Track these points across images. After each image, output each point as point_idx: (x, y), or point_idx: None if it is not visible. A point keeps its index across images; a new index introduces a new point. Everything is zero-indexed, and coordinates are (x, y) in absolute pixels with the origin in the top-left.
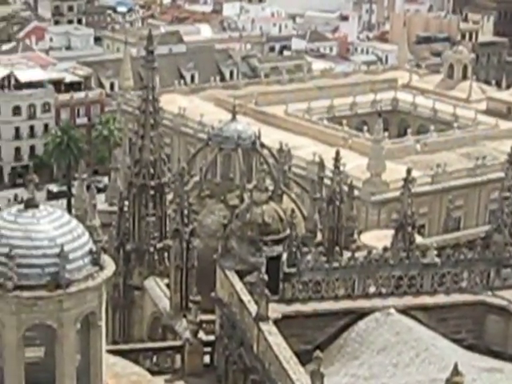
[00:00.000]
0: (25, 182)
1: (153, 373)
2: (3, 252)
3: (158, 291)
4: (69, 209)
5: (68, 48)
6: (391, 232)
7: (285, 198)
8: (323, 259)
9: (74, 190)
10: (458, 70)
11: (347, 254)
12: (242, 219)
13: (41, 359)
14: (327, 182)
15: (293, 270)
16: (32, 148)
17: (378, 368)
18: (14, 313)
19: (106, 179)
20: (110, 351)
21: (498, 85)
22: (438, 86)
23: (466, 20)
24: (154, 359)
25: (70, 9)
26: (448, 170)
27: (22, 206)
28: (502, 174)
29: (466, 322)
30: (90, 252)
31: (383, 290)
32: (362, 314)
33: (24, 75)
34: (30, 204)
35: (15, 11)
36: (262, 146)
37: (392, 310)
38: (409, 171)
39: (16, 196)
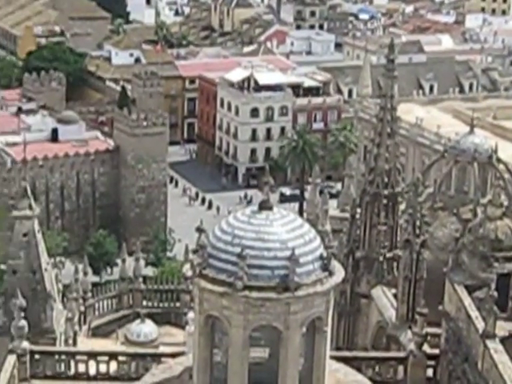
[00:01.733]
0: (259, 183)
1: (375, 382)
2: (235, 252)
3: (385, 301)
4: (300, 213)
5: (308, 53)
6: None
7: None
8: None
9: (306, 195)
10: None
11: None
12: (475, 234)
13: (264, 360)
14: None
15: None
16: (267, 150)
17: None
18: (241, 312)
19: (338, 185)
20: (333, 357)
21: None
22: None
23: None
24: (377, 369)
25: (312, 14)
26: None
27: (255, 208)
28: None
29: None
30: (321, 257)
31: None
32: None
33: (263, 78)
34: (265, 206)
35: (258, 14)
36: (499, 160)
37: None
38: None
39: (246, 195)
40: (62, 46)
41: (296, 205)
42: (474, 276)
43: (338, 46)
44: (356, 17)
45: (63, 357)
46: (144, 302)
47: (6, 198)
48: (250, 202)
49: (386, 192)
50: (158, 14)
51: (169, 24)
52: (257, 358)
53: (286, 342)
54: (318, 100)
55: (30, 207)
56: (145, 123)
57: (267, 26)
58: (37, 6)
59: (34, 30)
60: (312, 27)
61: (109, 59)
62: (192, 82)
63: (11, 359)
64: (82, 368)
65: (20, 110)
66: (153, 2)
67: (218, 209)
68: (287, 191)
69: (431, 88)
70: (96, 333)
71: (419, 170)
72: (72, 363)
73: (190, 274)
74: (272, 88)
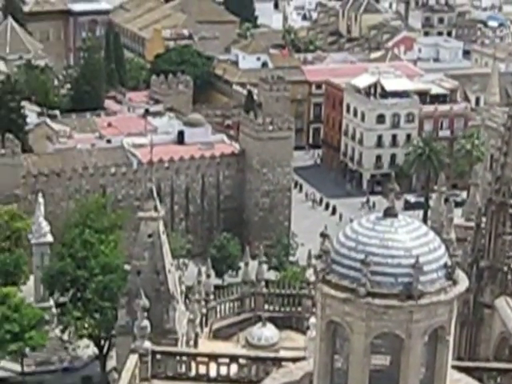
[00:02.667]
0: (384, 190)
1: None
2: (358, 258)
3: (509, 311)
4: (425, 220)
5: (436, 60)
6: None
7: None
8: None
9: (431, 202)
10: None
11: None
12: None
13: (385, 368)
14: None
15: None
16: (393, 157)
17: None
18: (363, 319)
19: (464, 194)
20: (454, 367)
21: None
22: None
23: None
24: (499, 380)
25: (441, 21)
26: None
27: (380, 214)
28: None
29: None
30: (445, 266)
31: None
32: None
33: (390, 84)
34: (390, 213)
35: (386, 20)
36: None
37: None
38: None
39: (367, 200)
40: (190, 49)
41: (420, 212)
42: None
43: (466, 53)
44: (485, 24)
45: (184, 358)
46: (266, 306)
47: (132, 199)
48: (371, 208)
49: None
50: (285, 18)
51: (296, 29)
52: (378, 366)
53: (408, 350)
54: (444, 107)
55: (156, 209)
56: (270, 127)
57: (395, 32)
58: (165, 10)
59: (163, 32)
60: (440, 34)
61: (236, 63)
62: (318, 87)
63: (133, 359)
64: (202, 370)
65: (147, 112)
66: (281, 7)
67: (341, 215)
68: (412, 198)
69: None
70: (217, 335)
71: None
72: (193, 364)
73: (312, 279)
74: (399, 94)
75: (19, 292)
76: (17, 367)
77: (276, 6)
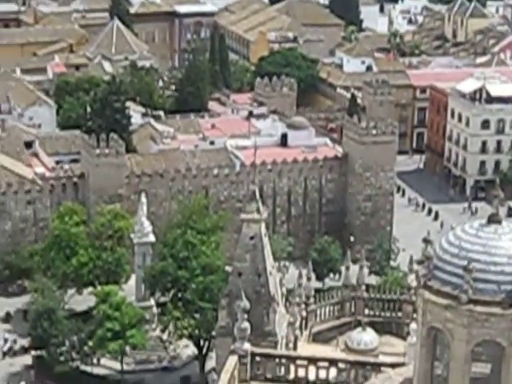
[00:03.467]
0: (488, 196)
1: None
2: (461, 264)
3: None
4: None
5: None
6: None
7: None
8: None
9: None
10: None
11: None
12: None
13: (486, 376)
14: None
15: None
16: (497, 163)
17: None
18: (465, 326)
19: None
20: None
21: None
22: None
23: None
24: None
25: None
26: None
27: (484, 221)
28: None
29: None
30: None
31: None
32: None
33: (496, 89)
34: (494, 219)
35: (492, 25)
36: None
37: None
38: None
39: (469, 206)
40: (295, 52)
41: None
42: None
43: None
44: None
45: (284, 361)
46: (366, 311)
47: (234, 200)
48: (474, 214)
49: None
50: (391, 22)
51: (402, 33)
52: (478, 374)
53: (509, 358)
54: None
55: (258, 211)
56: (374, 131)
57: (501, 37)
58: (270, 12)
59: (268, 35)
60: None
61: (340, 66)
62: (423, 91)
63: (232, 360)
64: (301, 373)
65: (251, 114)
66: (386, 11)
67: (442, 221)
68: None
69: None
70: (316, 338)
71: None
72: (292, 367)
73: (414, 284)
74: (504, 100)
75: (121, 291)
76: (117, 365)
77: (381, 9)
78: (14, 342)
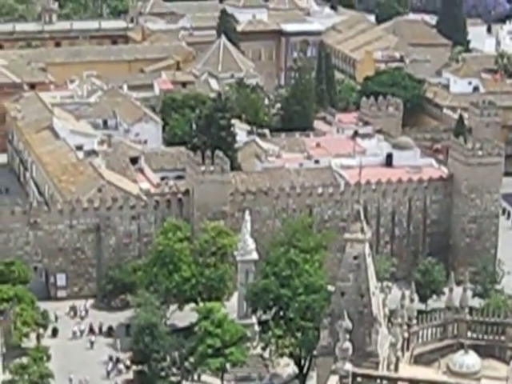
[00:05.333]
0: None
1: None
2: None
3: None
4: None
5: None
6: None
7: None
8: None
9: None
10: None
11: None
12: None
13: None
14: None
15: None
16: None
17: None
18: None
19: None
20: None
21: None
22: None
23: None
24: None
25: None
26: None
27: None
28: None
29: None
30: None
31: None
32: None
33: None
34: None
35: None
36: None
37: None
38: None
39: None
40: (401, 71)
41: None
42: None
43: None
44: None
45: (385, 382)
46: (469, 333)
47: (338, 219)
48: None
49: None
50: (498, 42)
51: (509, 53)
52: None
53: None
54: None
55: (362, 231)
56: (480, 153)
57: None
58: (377, 31)
59: (374, 54)
60: None
61: (447, 86)
62: None
63: (333, 380)
64: None
65: (356, 133)
66: (494, 31)
67: None
68: None
69: None
70: (418, 360)
71: None
72: None
73: None
74: None
75: (223, 308)
76: (217, 382)
77: (489, 29)
78: (118, 360)
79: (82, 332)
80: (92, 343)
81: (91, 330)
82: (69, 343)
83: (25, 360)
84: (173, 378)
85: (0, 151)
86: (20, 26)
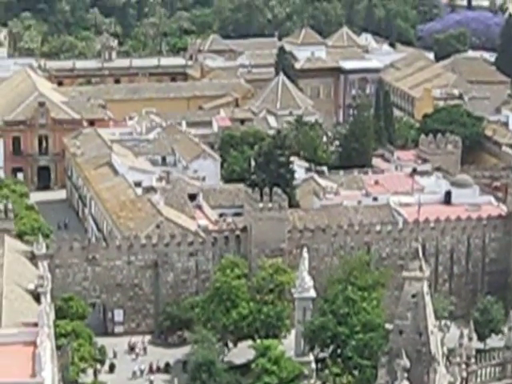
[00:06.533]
0: None
1: None
2: None
3: None
4: None
5: None
6: None
7: None
8: None
9: None
10: None
11: None
12: None
13: None
14: None
15: None
16: None
17: None
18: None
19: None
20: None
21: None
22: None
23: None
24: None
25: None
26: None
27: None
28: None
29: None
30: None
31: None
32: None
33: None
34: None
35: None
36: None
37: None
38: None
39: None
40: (460, 109)
41: None
42: None
43: None
44: None
45: None
46: None
47: (396, 257)
48: None
49: None
50: None
51: None
52: None
53: None
54: None
55: (421, 269)
56: None
57: None
58: (436, 69)
59: (433, 92)
60: None
61: (506, 124)
62: None
63: None
64: None
65: (415, 171)
66: None
67: None
68: None
69: None
70: None
71: None
72: None
73: None
74: None
75: (280, 345)
76: None
77: None
78: None
79: (142, 372)
80: (151, 382)
81: (151, 370)
82: (128, 383)
83: None
84: None
85: (59, 187)
86: (80, 63)
